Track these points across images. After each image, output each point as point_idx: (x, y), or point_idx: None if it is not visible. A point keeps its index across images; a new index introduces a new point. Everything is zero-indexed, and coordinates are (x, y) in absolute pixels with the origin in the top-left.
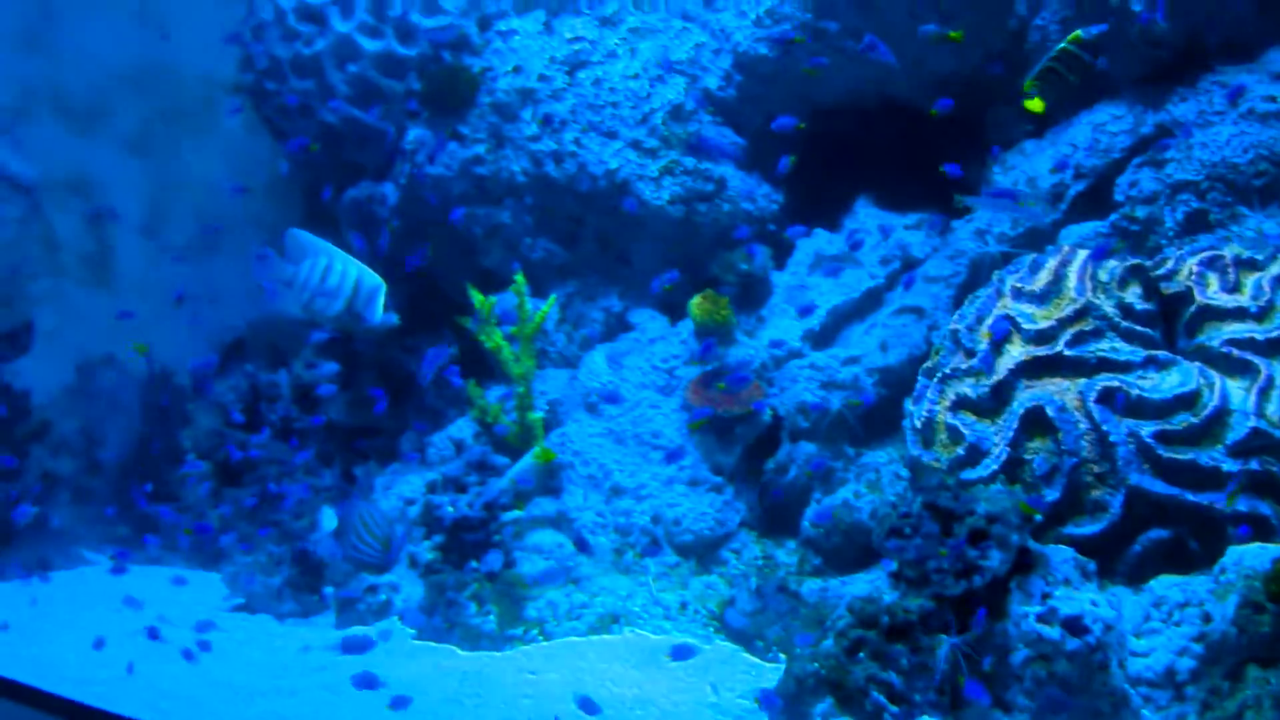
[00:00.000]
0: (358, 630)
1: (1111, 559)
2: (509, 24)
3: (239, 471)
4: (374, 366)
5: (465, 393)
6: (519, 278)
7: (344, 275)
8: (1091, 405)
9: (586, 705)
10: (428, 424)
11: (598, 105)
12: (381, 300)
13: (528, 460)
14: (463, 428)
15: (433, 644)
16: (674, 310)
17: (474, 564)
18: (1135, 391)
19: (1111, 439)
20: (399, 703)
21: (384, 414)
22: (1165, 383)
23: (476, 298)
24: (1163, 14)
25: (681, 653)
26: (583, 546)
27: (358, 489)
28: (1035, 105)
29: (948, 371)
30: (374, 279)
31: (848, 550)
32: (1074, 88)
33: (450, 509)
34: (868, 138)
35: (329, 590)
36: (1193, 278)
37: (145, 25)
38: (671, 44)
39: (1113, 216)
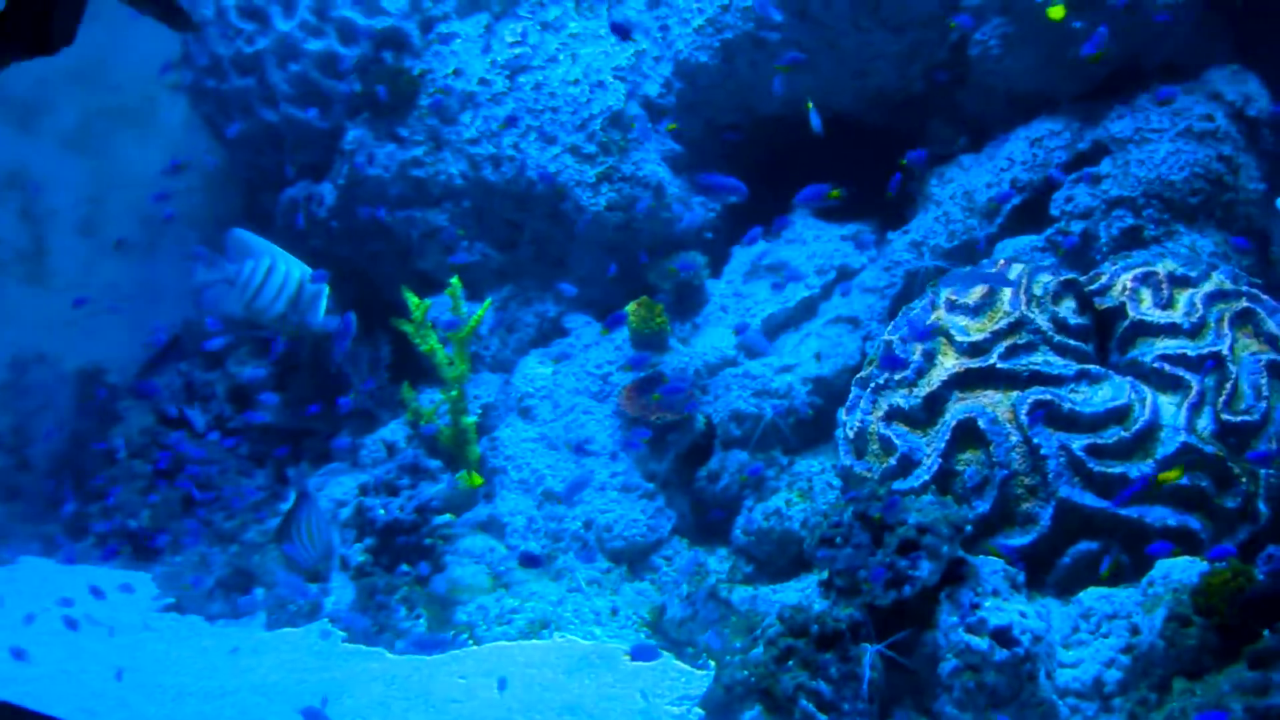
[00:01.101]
0: (287, 631)
1: (1041, 571)
2: (451, 27)
3: (171, 471)
4: (308, 368)
5: (399, 395)
6: (454, 281)
7: (287, 276)
8: (1023, 418)
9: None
10: (361, 426)
11: (537, 110)
12: (324, 303)
13: (449, 485)
14: (396, 430)
15: (363, 647)
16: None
17: (405, 567)
18: (1067, 405)
19: (1043, 452)
20: (328, 705)
21: (318, 415)
22: (1097, 397)
23: (411, 300)
24: (1104, 35)
25: (644, 653)
26: (529, 561)
27: (307, 489)
28: (1056, 12)
29: (881, 382)
30: (317, 281)
31: (779, 558)
32: None
33: (382, 512)
34: (808, 148)
35: (260, 591)
36: (1126, 293)
37: (88, 20)
38: (612, 50)
39: (1048, 231)
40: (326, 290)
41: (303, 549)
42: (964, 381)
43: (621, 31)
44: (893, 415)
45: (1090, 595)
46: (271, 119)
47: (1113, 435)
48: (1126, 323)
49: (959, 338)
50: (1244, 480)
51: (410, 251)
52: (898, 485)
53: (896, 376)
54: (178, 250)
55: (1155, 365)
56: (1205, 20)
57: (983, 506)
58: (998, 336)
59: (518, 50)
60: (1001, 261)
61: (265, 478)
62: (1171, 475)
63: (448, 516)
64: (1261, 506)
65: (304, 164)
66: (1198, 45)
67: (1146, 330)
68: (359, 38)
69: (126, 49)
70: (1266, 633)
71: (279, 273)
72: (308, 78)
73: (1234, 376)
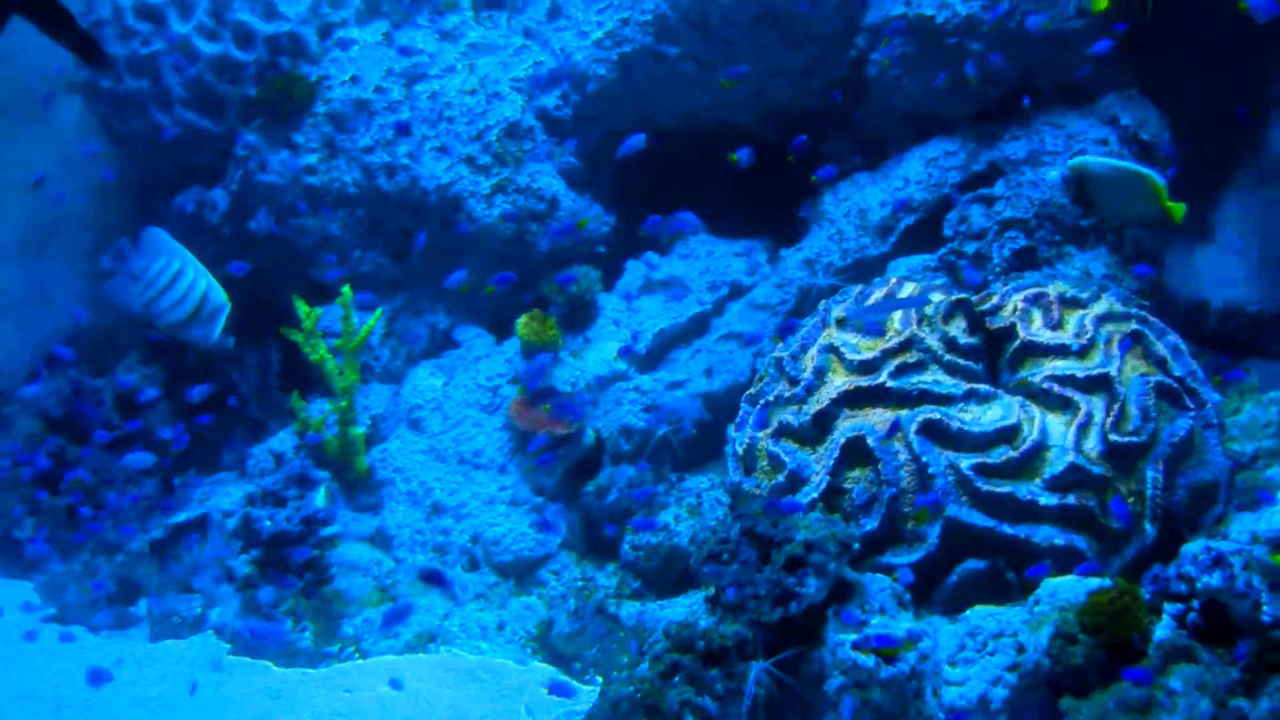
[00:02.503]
0: (172, 644)
1: (928, 589)
2: (349, 33)
3: (55, 478)
4: (199, 375)
5: (288, 404)
6: (346, 290)
7: (193, 286)
8: (912, 436)
9: None
10: (249, 435)
11: (433, 119)
12: (223, 321)
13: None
14: (284, 440)
15: (248, 659)
16: (501, 328)
17: (291, 579)
18: (956, 424)
19: (930, 470)
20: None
21: (207, 424)
22: (986, 416)
23: (302, 309)
24: (1000, 55)
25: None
26: (436, 579)
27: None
28: (1099, 3)
29: (771, 399)
30: (220, 297)
31: (667, 574)
32: (1144, 7)
33: (268, 523)
34: (704, 162)
35: (144, 602)
36: (1017, 314)
37: None
38: (510, 61)
39: (941, 250)
40: (228, 309)
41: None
42: (853, 399)
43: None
44: (782, 432)
45: (977, 614)
46: (165, 122)
47: (1001, 455)
48: (1017, 343)
49: (849, 355)
50: (1131, 500)
51: (303, 260)
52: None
53: (786, 393)
54: (68, 253)
55: (1044, 385)
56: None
57: (870, 524)
58: (888, 355)
59: (415, 59)
60: (894, 280)
61: (152, 487)
62: None
63: (335, 528)
64: (1148, 526)
65: (198, 168)
66: (1094, 69)
67: (1036, 351)
68: (256, 42)
69: (19, 46)
70: (1151, 651)
71: (185, 280)
72: (203, 81)
73: (1122, 398)
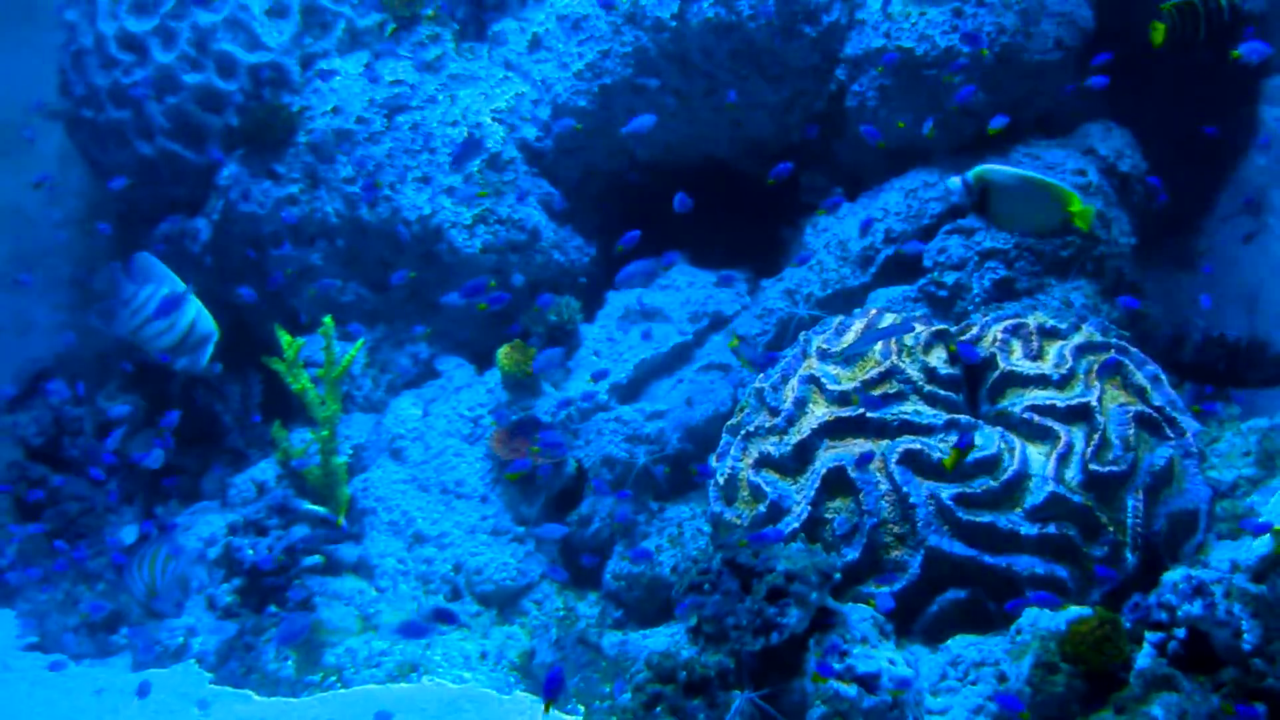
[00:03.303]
0: (154, 673)
1: (909, 618)
2: (330, 64)
3: (37, 506)
4: (179, 404)
5: (270, 434)
6: (327, 320)
7: (181, 313)
8: (893, 467)
9: None
10: (231, 465)
11: (414, 150)
12: (211, 349)
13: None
14: (266, 469)
15: (230, 689)
16: (483, 360)
17: (273, 608)
18: (937, 454)
19: (911, 500)
20: None
21: (188, 453)
22: None
23: (284, 339)
24: (978, 86)
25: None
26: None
27: (161, 528)
28: (1156, 36)
29: (751, 429)
30: (208, 325)
31: (649, 604)
32: (1197, 41)
33: (250, 552)
34: (685, 193)
35: (125, 631)
36: (997, 344)
37: None
38: (492, 92)
39: (921, 281)
40: (216, 336)
41: (138, 581)
42: (834, 430)
43: None
44: (763, 462)
45: (959, 643)
46: (147, 152)
47: (981, 485)
48: (997, 373)
49: (830, 386)
50: (1111, 529)
51: (284, 290)
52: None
53: (767, 424)
54: (49, 283)
55: (1024, 416)
56: (1079, 77)
57: (852, 554)
58: (868, 386)
59: (397, 90)
60: (873, 311)
61: (133, 515)
62: None
63: (317, 559)
64: (1129, 555)
65: (179, 199)
66: (1073, 101)
67: (1016, 381)
68: (238, 72)
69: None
70: (1132, 679)
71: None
72: (185, 111)
73: (1102, 428)
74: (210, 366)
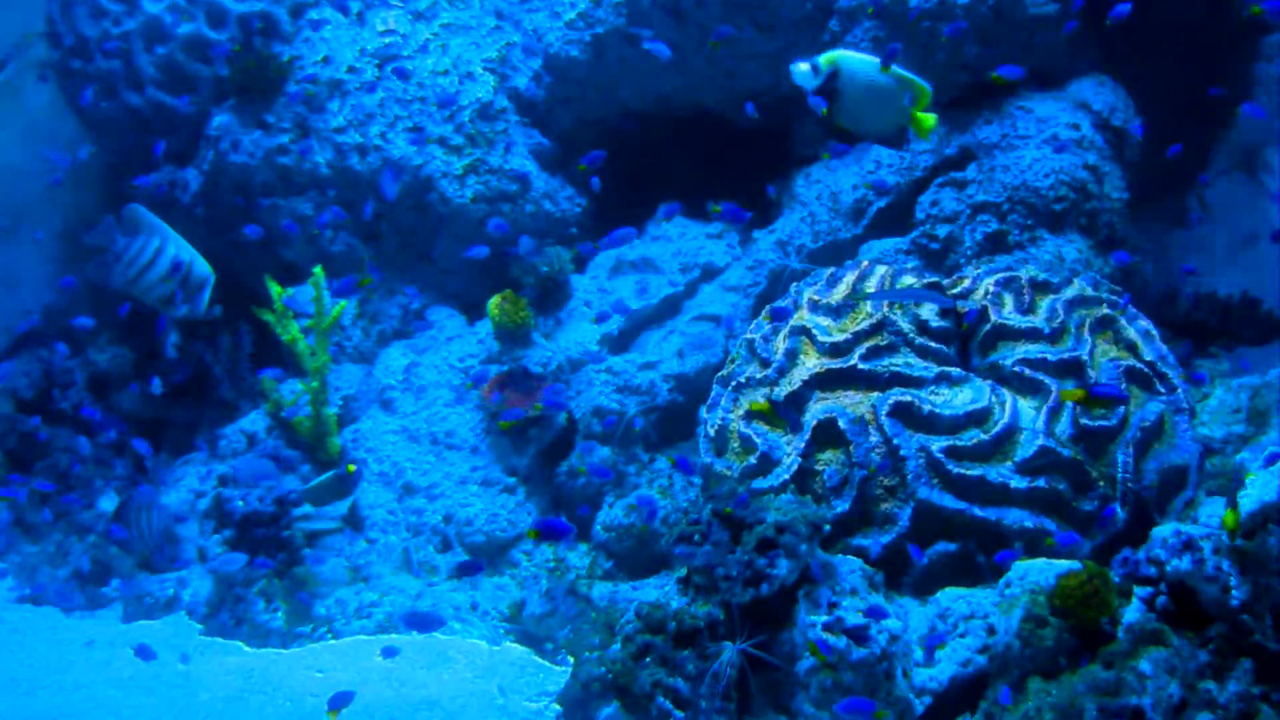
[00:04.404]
0: (144, 624)
1: (900, 571)
2: (321, 13)
3: (27, 459)
4: (169, 356)
5: (259, 385)
6: (318, 270)
7: (175, 260)
8: (883, 419)
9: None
10: (221, 416)
11: (405, 100)
12: (209, 292)
13: (329, 476)
14: (256, 420)
15: (220, 640)
16: (473, 309)
17: (263, 559)
18: (927, 407)
19: (902, 453)
20: (183, 699)
21: (178, 405)
22: (957, 399)
23: (274, 289)
24: (971, 39)
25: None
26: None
27: (145, 480)
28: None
29: (742, 380)
30: (204, 269)
31: (639, 554)
32: None
33: (240, 503)
34: (677, 145)
35: (115, 583)
36: (989, 297)
37: None
38: (483, 41)
39: (913, 234)
40: (212, 279)
41: (136, 535)
42: (825, 381)
43: None
44: (753, 414)
45: (948, 595)
46: (137, 103)
47: (971, 438)
48: (988, 326)
49: (821, 338)
50: (1101, 484)
51: (275, 240)
52: (757, 484)
53: (758, 375)
54: (38, 235)
55: (1015, 369)
56: (1073, 32)
57: (842, 506)
58: (859, 338)
59: (388, 39)
60: (865, 263)
61: (124, 468)
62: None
63: (306, 508)
64: (1118, 509)
65: (169, 149)
66: (1066, 56)
67: (1008, 334)
68: (228, 22)
69: None
70: (1120, 634)
71: (166, 256)
72: (174, 61)
73: (1093, 382)
74: (210, 309)
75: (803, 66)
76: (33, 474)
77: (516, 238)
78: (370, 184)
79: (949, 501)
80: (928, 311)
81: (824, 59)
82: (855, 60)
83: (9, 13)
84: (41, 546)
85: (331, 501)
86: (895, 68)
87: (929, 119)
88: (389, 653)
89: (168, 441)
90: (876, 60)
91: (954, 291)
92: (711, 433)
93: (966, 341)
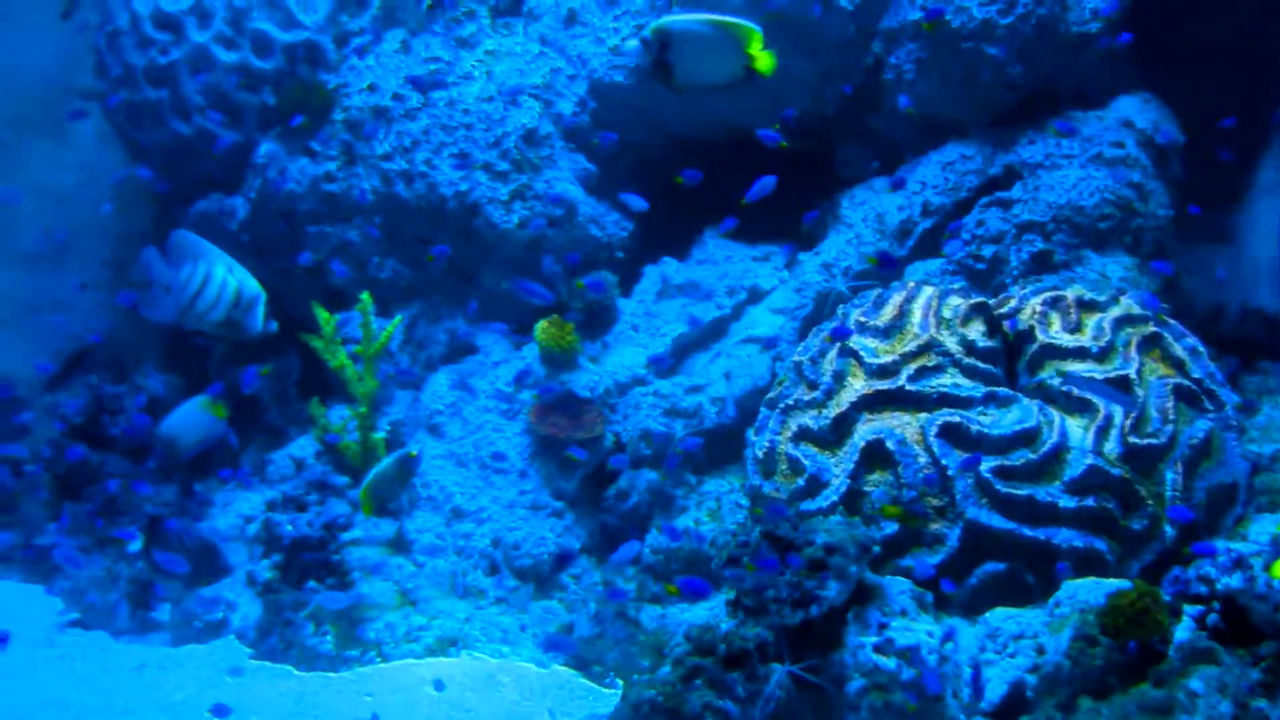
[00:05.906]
0: (193, 648)
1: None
2: (365, 41)
3: (77, 484)
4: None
5: (307, 411)
6: (365, 296)
7: (224, 284)
8: (932, 440)
9: None
10: (269, 442)
11: (451, 126)
12: (261, 310)
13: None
14: (304, 446)
15: (269, 664)
16: (520, 334)
17: (312, 583)
18: (975, 427)
19: (950, 473)
20: None
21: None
22: (1005, 419)
23: (321, 315)
24: (1015, 59)
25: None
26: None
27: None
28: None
29: (790, 403)
30: (254, 287)
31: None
32: None
33: (289, 528)
34: (720, 169)
35: (166, 607)
36: (1036, 317)
37: None
38: (527, 68)
39: (959, 254)
40: (264, 297)
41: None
42: (872, 403)
43: None
44: (801, 436)
45: (997, 615)
46: (184, 131)
47: (1020, 457)
48: (1035, 346)
49: (868, 359)
50: (1150, 502)
51: (321, 267)
52: (805, 505)
53: (806, 397)
54: (86, 262)
55: (1063, 388)
56: (1117, 49)
57: (890, 527)
58: (907, 358)
59: (432, 66)
60: (911, 284)
61: (172, 493)
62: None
63: (356, 533)
64: (1167, 529)
65: (216, 177)
66: (1109, 74)
67: (1055, 353)
68: (274, 50)
69: (37, 58)
70: (1171, 652)
71: (215, 280)
72: (221, 89)
73: (1142, 400)
74: (267, 326)
75: (632, 43)
76: (81, 499)
77: (568, 267)
78: (417, 210)
79: (998, 521)
80: (975, 332)
81: (650, 30)
82: (680, 21)
83: (56, 39)
84: (90, 571)
85: (396, 492)
86: (719, 14)
87: (768, 56)
88: (440, 686)
89: (214, 465)
90: (702, 15)
91: (1000, 311)
92: (760, 455)
93: (1014, 361)
